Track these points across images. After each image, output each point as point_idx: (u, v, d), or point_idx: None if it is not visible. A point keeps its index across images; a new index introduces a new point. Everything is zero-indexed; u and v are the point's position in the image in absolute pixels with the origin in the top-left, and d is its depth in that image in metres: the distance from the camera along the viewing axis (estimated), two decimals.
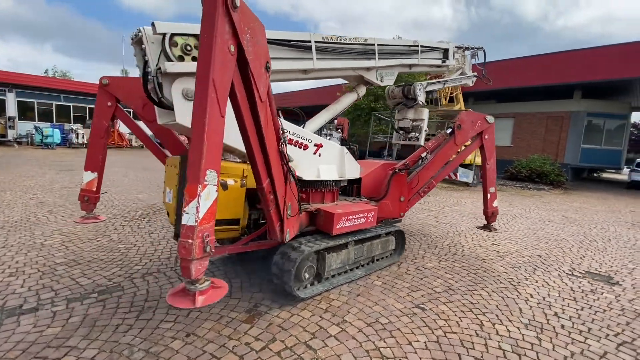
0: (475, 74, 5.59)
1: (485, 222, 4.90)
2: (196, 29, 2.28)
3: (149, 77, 2.28)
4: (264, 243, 2.98)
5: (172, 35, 2.25)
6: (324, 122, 3.83)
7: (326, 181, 3.46)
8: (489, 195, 4.71)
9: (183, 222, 1.65)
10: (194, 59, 2.36)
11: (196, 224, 1.64)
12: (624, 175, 22.65)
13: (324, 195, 3.58)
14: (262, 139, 2.25)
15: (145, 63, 2.30)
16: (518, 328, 2.82)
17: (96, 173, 3.37)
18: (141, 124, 3.58)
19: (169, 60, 2.25)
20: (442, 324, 2.81)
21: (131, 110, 3.40)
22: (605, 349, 2.59)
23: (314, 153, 3.37)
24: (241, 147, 2.44)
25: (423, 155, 4.23)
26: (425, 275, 3.84)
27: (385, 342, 2.50)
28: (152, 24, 2.20)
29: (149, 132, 3.68)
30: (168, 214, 2.91)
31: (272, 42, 2.83)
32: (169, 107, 2.33)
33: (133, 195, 7.49)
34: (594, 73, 15.55)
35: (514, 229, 6.41)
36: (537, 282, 3.86)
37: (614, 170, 24.48)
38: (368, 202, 3.91)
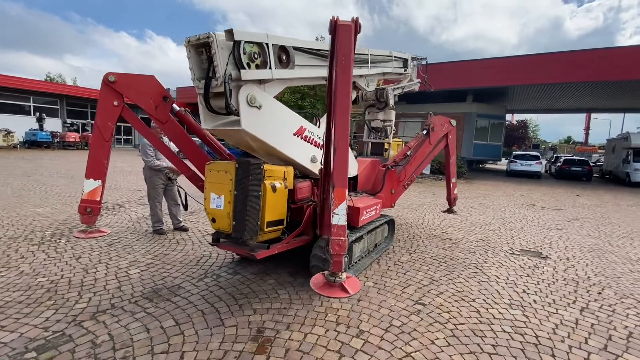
0: (419, 80, 6.09)
1: (448, 207, 6.03)
2: (262, 37, 2.50)
3: (214, 82, 2.32)
4: (301, 239, 3.28)
5: (241, 43, 2.32)
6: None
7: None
8: (451, 184, 5.73)
9: (334, 222, 1.85)
10: (257, 66, 2.51)
11: (345, 223, 1.83)
12: (502, 165, 27.67)
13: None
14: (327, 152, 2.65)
15: (209, 68, 2.34)
16: (506, 309, 3.08)
17: (100, 181, 2.95)
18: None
19: (240, 67, 2.32)
20: (448, 317, 2.88)
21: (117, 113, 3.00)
22: (574, 316, 3.02)
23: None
24: (288, 153, 3.05)
25: (408, 153, 4.69)
26: (406, 270, 3.93)
27: (411, 345, 2.43)
28: (229, 31, 2.25)
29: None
30: (214, 220, 2.82)
31: (306, 50, 3.10)
32: (233, 113, 2.43)
33: (29, 210, 5.87)
34: (480, 81, 18.50)
35: (449, 217, 7.13)
36: (493, 264, 4.33)
37: (491, 162, 29.74)
38: (369, 196, 4.03)
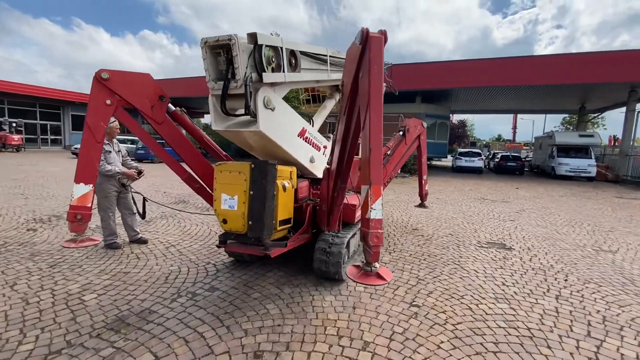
0: (386, 84, 6.24)
1: (420, 202, 6.75)
2: (277, 41, 2.60)
3: (233, 84, 2.38)
4: (304, 237, 3.39)
5: (263, 46, 2.38)
6: (319, 125, 4.12)
7: None
8: (423, 181, 6.30)
9: (372, 217, 2.00)
10: (272, 69, 2.59)
11: (382, 217, 2.01)
12: (447, 162, 29.66)
13: None
14: (353, 148, 2.81)
15: (228, 70, 2.39)
16: (494, 304, 3.16)
17: (91, 185, 2.79)
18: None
19: (260, 70, 2.40)
20: (445, 317, 2.86)
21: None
22: (553, 304, 3.19)
23: (323, 154, 3.71)
24: (293, 153, 3.20)
25: (388, 152, 4.92)
26: (390, 270, 3.87)
27: (419, 353, 2.34)
28: (252, 35, 2.32)
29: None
30: (225, 221, 2.81)
31: (309, 55, 3.20)
32: (250, 115, 2.50)
33: None
34: (426, 83, 19.58)
35: (414, 213, 7.34)
36: (468, 258, 4.48)
37: (437, 159, 31.80)
38: (356, 194, 3.99)
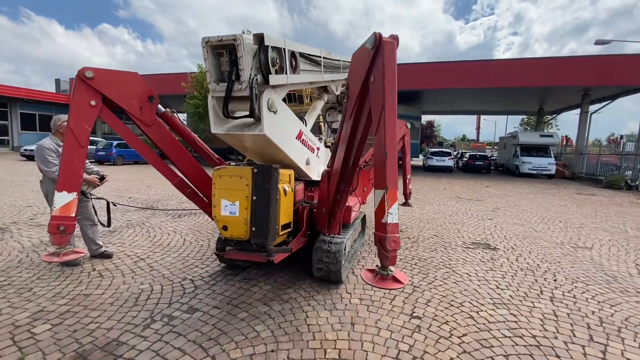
0: None
1: (405, 200, 6.95)
2: (280, 42, 2.51)
3: (237, 86, 2.31)
4: (302, 241, 3.35)
5: (269, 48, 2.34)
6: (311, 126, 4.00)
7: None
8: (407, 181, 6.50)
9: (389, 221, 1.99)
10: (276, 71, 2.51)
11: (398, 221, 2.03)
12: (417, 161, 30.41)
13: None
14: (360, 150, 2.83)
15: (232, 71, 2.32)
16: (493, 310, 3.05)
17: (75, 193, 2.56)
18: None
19: (266, 72, 2.36)
20: (448, 329, 2.69)
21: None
22: (550, 307, 3.14)
23: (317, 156, 3.65)
24: (292, 156, 3.10)
25: None
26: None
27: None
28: (258, 35, 2.27)
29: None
30: (225, 227, 2.74)
31: (307, 56, 3.13)
32: (254, 117, 2.45)
33: None
34: (398, 84, 19.85)
35: (403, 211, 7.25)
36: (458, 260, 4.40)
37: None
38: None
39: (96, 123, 30.39)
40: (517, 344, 2.52)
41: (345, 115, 2.79)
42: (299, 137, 3.19)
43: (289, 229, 3.04)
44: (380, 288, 2.83)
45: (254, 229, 2.65)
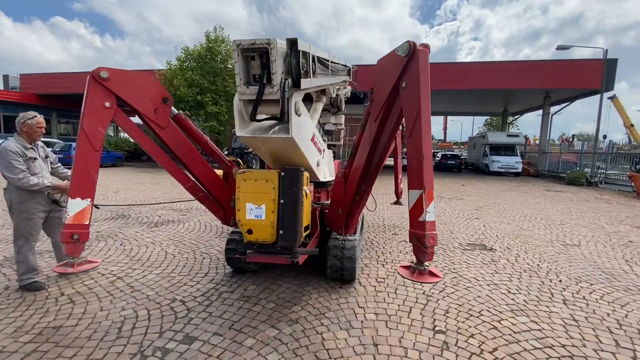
0: (351, 87, 6.05)
1: (396, 199, 6.84)
2: (306, 46, 2.53)
3: (268, 89, 2.32)
4: (315, 242, 3.35)
5: (300, 52, 2.37)
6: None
7: (330, 181, 3.86)
8: (398, 180, 6.53)
9: (427, 219, 2.10)
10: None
11: (435, 219, 2.16)
12: (390, 161, 30.94)
13: (328, 194, 4.03)
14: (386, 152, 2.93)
15: (263, 75, 2.36)
16: (514, 318, 2.92)
17: (89, 199, 2.43)
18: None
19: (297, 76, 2.39)
20: (477, 343, 2.50)
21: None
22: (567, 312, 3.06)
23: (323, 157, 3.56)
24: (309, 159, 3.01)
25: None
26: (393, 287, 3.46)
27: None
28: (292, 40, 2.33)
29: None
30: (250, 231, 2.77)
31: (322, 61, 3.11)
32: (282, 121, 2.48)
33: None
34: (371, 84, 19.99)
35: (388, 216, 7.12)
36: (461, 264, 4.28)
37: None
38: None
39: (50, 122, 27.91)
40: (550, 356, 2.37)
41: (368, 118, 2.86)
42: (312, 139, 3.14)
43: (308, 231, 3.08)
44: (421, 282, 2.97)
45: (281, 232, 2.71)
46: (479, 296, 3.33)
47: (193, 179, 3.27)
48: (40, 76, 26.24)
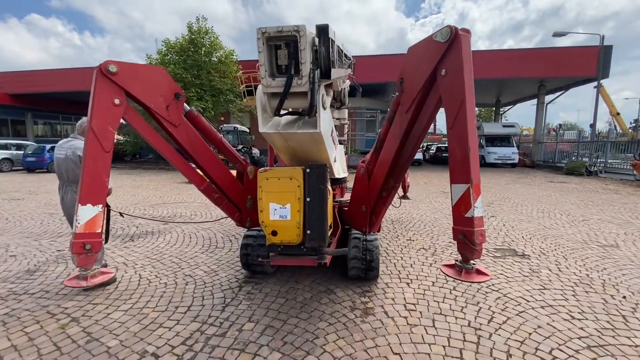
0: (350, 80, 5.53)
1: (404, 193, 6.48)
2: (332, 35, 2.32)
3: (297, 81, 2.17)
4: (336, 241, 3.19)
5: (330, 41, 2.22)
6: None
7: (343, 178, 3.89)
8: (406, 174, 5.52)
9: (476, 215, 1.95)
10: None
11: (483, 214, 2.01)
12: None
13: (342, 190, 4.06)
14: (417, 145, 2.68)
15: (290, 65, 2.18)
16: (596, 359, 2.22)
17: (100, 205, 2.30)
18: None
19: (326, 66, 2.24)
20: None
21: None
22: (629, 327, 2.39)
23: (337, 152, 3.40)
24: (330, 155, 2.88)
25: None
26: (429, 316, 2.74)
27: None
28: (322, 27, 2.20)
29: None
30: (275, 233, 2.63)
31: (339, 52, 2.87)
32: (310, 115, 2.33)
33: None
34: (365, 76, 19.27)
35: (397, 218, 6.41)
36: (497, 277, 3.59)
37: None
38: None
39: (25, 123, 26.39)
40: None
41: (397, 109, 2.63)
42: (332, 134, 2.95)
43: (331, 230, 2.93)
44: (470, 282, 2.90)
45: (308, 232, 2.59)
46: (539, 326, 2.63)
47: (208, 179, 3.11)
48: (12, 75, 24.54)
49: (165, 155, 2.84)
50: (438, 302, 3.02)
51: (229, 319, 2.73)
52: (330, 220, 2.77)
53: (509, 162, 19.28)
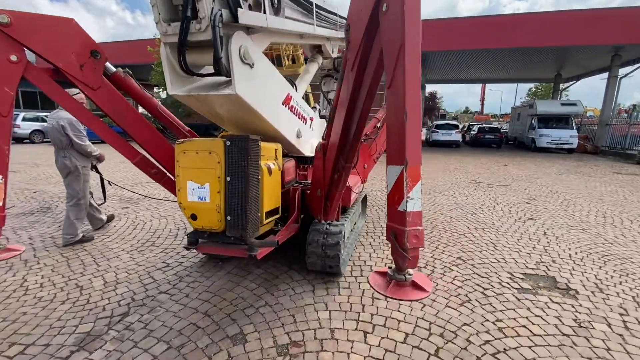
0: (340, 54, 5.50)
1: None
2: None
3: (195, 25, 1.78)
4: (293, 228, 2.80)
5: None
6: (304, 91, 3.52)
7: None
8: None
9: (409, 209, 1.59)
10: (250, 7, 2.02)
11: (421, 208, 1.57)
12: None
13: None
14: (365, 115, 2.31)
15: (186, 6, 1.76)
16: None
17: (1, 177, 2.24)
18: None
19: (234, 4, 1.83)
20: None
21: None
22: None
23: (310, 127, 3.24)
24: (277, 126, 2.55)
25: (378, 125, 4.23)
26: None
27: None
28: None
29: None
30: (194, 216, 2.23)
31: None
32: (221, 72, 1.92)
33: None
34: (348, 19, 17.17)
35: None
36: (517, 334, 2.27)
37: None
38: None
39: None
40: None
41: (344, 68, 2.23)
42: (286, 102, 2.63)
43: (276, 216, 2.56)
44: (396, 299, 2.17)
45: (229, 218, 2.16)
46: None
47: (143, 151, 2.83)
48: None
49: (85, 123, 2.56)
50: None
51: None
52: (272, 204, 2.42)
53: (565, 146, 16.49)
